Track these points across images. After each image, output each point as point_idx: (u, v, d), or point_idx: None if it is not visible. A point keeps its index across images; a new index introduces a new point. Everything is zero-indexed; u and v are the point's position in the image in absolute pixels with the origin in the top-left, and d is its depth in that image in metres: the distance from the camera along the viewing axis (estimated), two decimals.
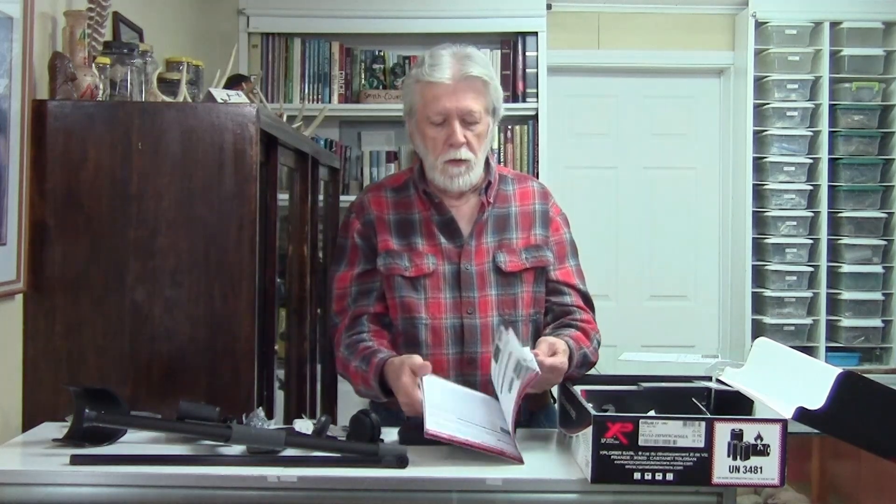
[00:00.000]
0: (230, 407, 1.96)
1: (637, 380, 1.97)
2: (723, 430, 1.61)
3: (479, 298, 2.08)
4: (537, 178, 4.22)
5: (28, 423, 2.09)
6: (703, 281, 4.84)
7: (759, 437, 1.60)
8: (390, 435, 1.86)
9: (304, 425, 1.89)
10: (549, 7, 4.40)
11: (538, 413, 2.16)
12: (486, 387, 2.06)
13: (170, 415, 1.89)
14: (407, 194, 2.15)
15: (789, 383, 1.79)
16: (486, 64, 2.10)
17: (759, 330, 4.53)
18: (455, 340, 2.07)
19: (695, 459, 1.61)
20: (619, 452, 1.61)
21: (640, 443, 1.61)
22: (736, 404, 1.83)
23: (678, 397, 1.89)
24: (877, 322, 4.48)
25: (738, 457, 1.61)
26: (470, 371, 2.07)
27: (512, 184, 2.20)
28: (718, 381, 1.93)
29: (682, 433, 1.61)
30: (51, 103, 2.15)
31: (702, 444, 1.61)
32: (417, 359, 1.91)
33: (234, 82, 2.70)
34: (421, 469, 1.71)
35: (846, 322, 4.46)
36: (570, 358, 1.96)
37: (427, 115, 2.07)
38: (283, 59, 4.37)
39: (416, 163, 2.17)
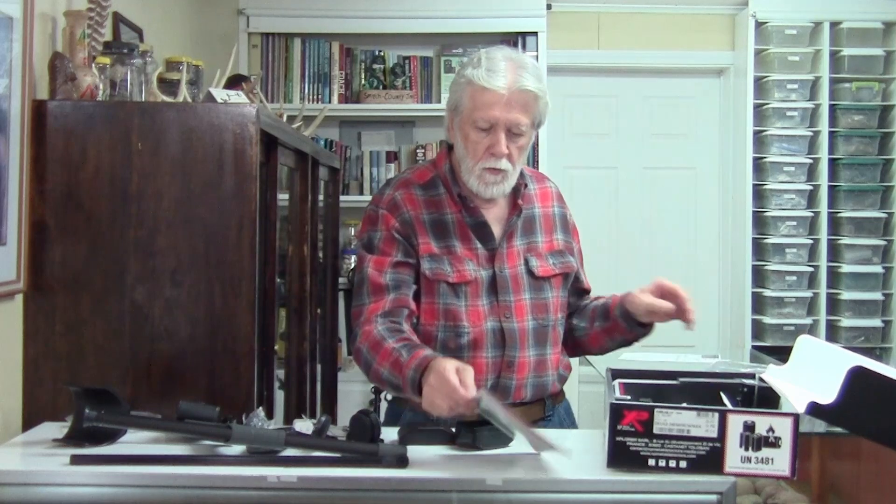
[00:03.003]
0: (230, 407, 1.97)
1: (678, 375, 1.99)
2: (735, 422, 1.65)
3: (514, 303, 2.06)
4: None
5: (28, 423, 2.09)
6: (703, 281, 4.83)
7: (770, 429, 1.64)
8: (390, 435, 1.86)
9: (304, 425, 1.89)
10: (549, 7, 4.41)
11: (558, 407, 2.19)
12: (521, 390, 2.08)
13: (170, 415, 1.89)
14: (436, 193, 2.10)
15: (829, 379, 1.79)
16: (540, 77, 2.05)
17: (759, 330, 4.53)
18: (495, 344, 2.05)
19: (708, 449, 1.65)
20: (635, 439, 1.66)
21: (655, 430, 1.66)
22: (773, 402, 1.85)
23: (715, 393, 1.91)
24: (877, 322, 4.48)
25: (750, 447, 1.64)
26: (507, 374, 2.06)
27: (531, 182, 2.18)
28: (760, 379, 1.94)
29: (696, 423, 1.65)
30: (51, 103, 2.15)
31: (715, 434, 1.65)
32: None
33: (234, 82, 2.70)
34: (421, 469, 1.71)
35: (846, 322, 4.46)
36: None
37: (474, 120, 2.01)
38: (283, 59, 4.37)
39: (445, 161, 2.12)
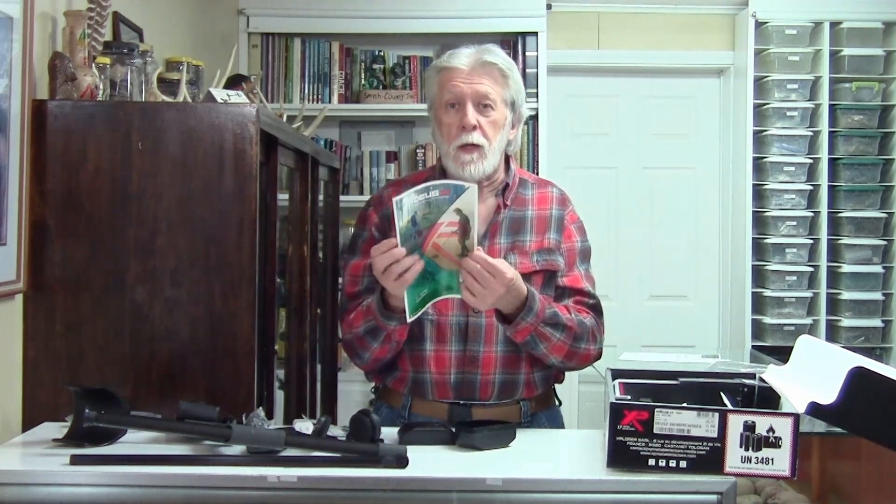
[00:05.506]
0: (230, 407, 1.97)
1: (678, 375, 1.99)
2: (735, 422, 1.65)
3: None
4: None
5: (28, 423, 2.09)
6: (703, 281, 4.84)
7: (771, 429, 1.64)
8: (390, 435, 1.86)
9: (304, 425, 1.89)
10: (549, 7, 4.41)
11: (540, 414, 2.16)
12: (487, 387, 2.07)
13: (170, 415, 1.89)
14: None
15: (829, 380, 1.79)
16: (506, 57, 2.10)
17: (759, 330, 4.53)
18: (459, 338, 2.06)
19: (708, 449, 1.65)
20: (635, 439, 1.66)
21: (655, 430, 1.66)
22: (773, 402, 1.85)
23: (715, 393, 1.91)
24: (877, 322, 4.49)
25: (751, 448, 1.65)
26: (471, 369, 2.06)
27: (531, 188, 2.19)
28: (760, 379, 1.94)
29: (697, 423, 1.65)
30: (51, 103, 2.15)
31: (715, 434, 1.65)
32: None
33: (234, 82, 2.70)
34: (421, 469, 1.71)
35: (846, 322, 4.47)
36: (529, 300, 1.96)
37: (442, 99, 2.06)
38: (283, 59, 4.38)
39: (439, 162, 2.17)
